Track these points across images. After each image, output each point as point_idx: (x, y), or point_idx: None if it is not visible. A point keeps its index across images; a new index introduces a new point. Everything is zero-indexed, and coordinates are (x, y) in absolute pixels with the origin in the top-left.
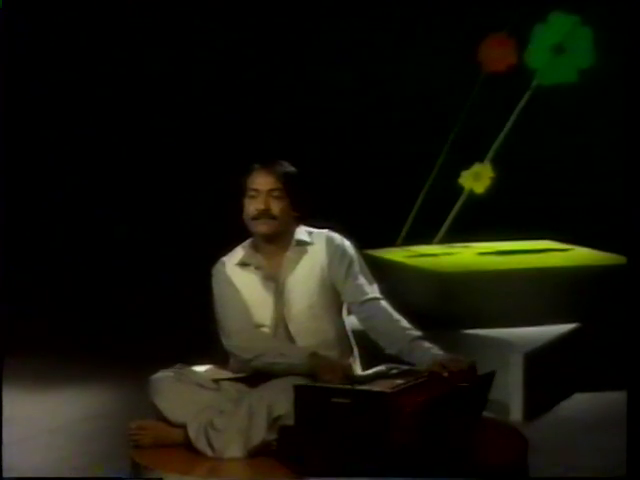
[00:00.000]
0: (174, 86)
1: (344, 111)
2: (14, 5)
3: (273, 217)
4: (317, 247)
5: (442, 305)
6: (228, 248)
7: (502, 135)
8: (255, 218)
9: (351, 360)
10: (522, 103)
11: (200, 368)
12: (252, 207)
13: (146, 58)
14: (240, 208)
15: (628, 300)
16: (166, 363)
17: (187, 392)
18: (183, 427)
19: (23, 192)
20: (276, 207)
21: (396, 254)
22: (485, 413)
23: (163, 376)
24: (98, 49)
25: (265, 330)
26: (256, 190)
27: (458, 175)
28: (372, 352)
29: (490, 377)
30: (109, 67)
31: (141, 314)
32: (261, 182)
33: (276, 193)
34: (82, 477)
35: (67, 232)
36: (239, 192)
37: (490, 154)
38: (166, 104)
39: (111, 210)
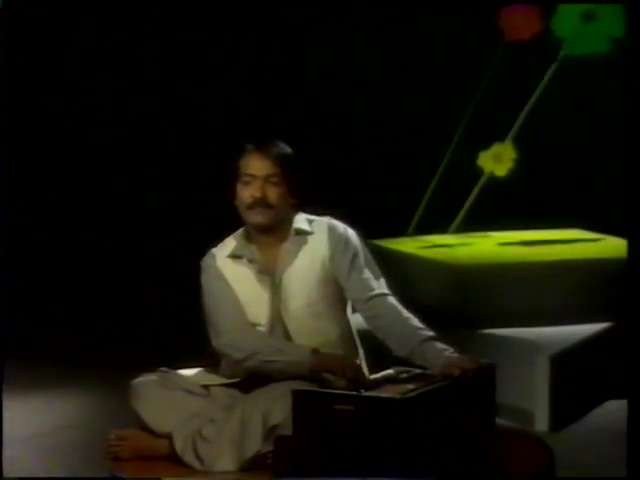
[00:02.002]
0: (169, 73)
1: (348, 85)
2: (14, 5)
3: (270, 206)
4: (318, 237)
5: (458, 302)
6: (219, 238)
7: (525, 111)
8: (250, 207)
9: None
10: (548, 76)
11: (187, 372)
12: (247, 194)
13: (146, 51)
14: (232, 193)
15: None
16: (149, 366)
17: (173, 398)
18: (168, 437)
19: (23, 192)
20: (273, 194)
21: (406, 245)
22: (507, 422)
23: (146, 380)
24: (98, 49)
25: (260, 329)
26: (251, 176)
27: (476, 156)
28: (380, 354)
29: (490, 369)
30: (109, 67)
31: (121, 311)
32: (257, 166)
33: (274, 179)
34: (82, 477)
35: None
36: (230, 175)
37: (512, 133)
38: (161, 90)
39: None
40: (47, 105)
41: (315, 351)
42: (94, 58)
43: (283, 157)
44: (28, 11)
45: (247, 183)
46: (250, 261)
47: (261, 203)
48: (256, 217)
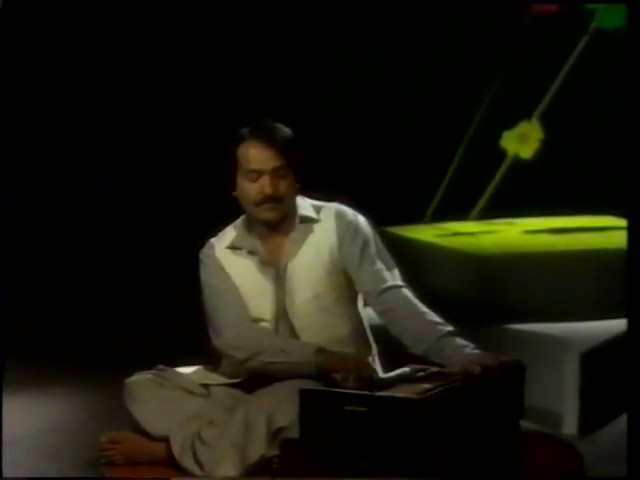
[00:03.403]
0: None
1: (363, 63)
2: (14, 5)
3: (280, 200)
4: (325, 225)
5: (480, 294)
6: (218, 228)
7: (553, 88)
8: (259, 204)
9: (369, 361)
10: (578, 50)
11: (186, 370)
12: (254, 191)
13: (146, 51)
14: (228, 183)
15: None
16: (144, 363)
17: (170, 398)
18: (165, 441)
19: (22, 192)
20: (283, 188)
21: (423, 232)
22: (533, 425)
23: (141, 379)
24: (98, 48)
25: (264, 326)
26: (258, 171)
27: (500, 136)
28: (394, 351)
29: (518, 367)
30: (110, 66)
31: (115, 305)
32: (262, 160)
33: (281, 171)
34: (83, 477)
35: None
36: (227, 165)
37: (539, 111)
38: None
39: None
40: (47, 105)
41: (321, 350)
42: (94, 58)
43: (287, 144)
44: (28, 11)
45: (254, 179)
46: (251, 253)
47: (272, 199)
48: (267, 214)
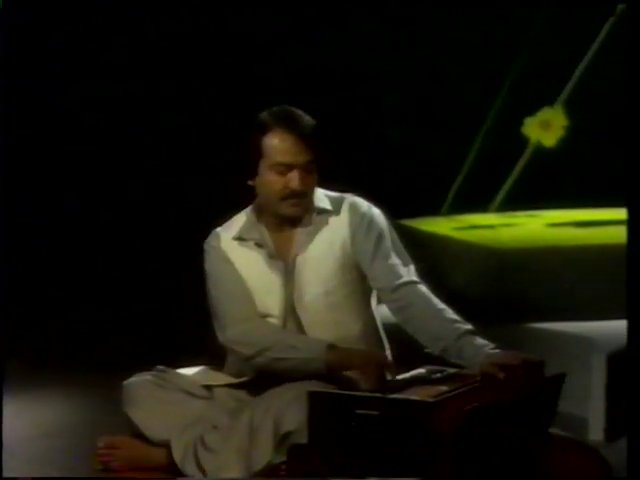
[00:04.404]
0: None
1: (381, 49)
2: (14, 5)
3: (305, 195)
4: (338, 216)
5: (500, 291)
6: (224, 217)
7: (578, 72)
8: (284, 199)
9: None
10: (604, 32)
11: (187, 371)
12: (280, 185)
13: (146, 50)
14: (245, 169)
15: None
16: (144, 364)
17: (171, 401)
18: (166, 446)
19: (21, 192)
20: (310, 183)
21: (440, 225)
22: (558, 430)
23: (140, 381)
24: (98, 48)
25: (271, 321)
26: (287, 165)
27: (521, 123)
28: (409, 351)
29: (559, 380)
30: (110, 66)
31: (113, 302)
32: (294, 153)
33: (310, 166)
34: (83, 477)
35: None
36: (248, 152)
37: (563, 96)
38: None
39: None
40: (47, 105)
41: (332, 346)
42: (94, 57)
43: (316, 137)
44: (28, 11)
45: (282, 172)
46: (258, 245)
47: (298, 194)
48: (291, 209)
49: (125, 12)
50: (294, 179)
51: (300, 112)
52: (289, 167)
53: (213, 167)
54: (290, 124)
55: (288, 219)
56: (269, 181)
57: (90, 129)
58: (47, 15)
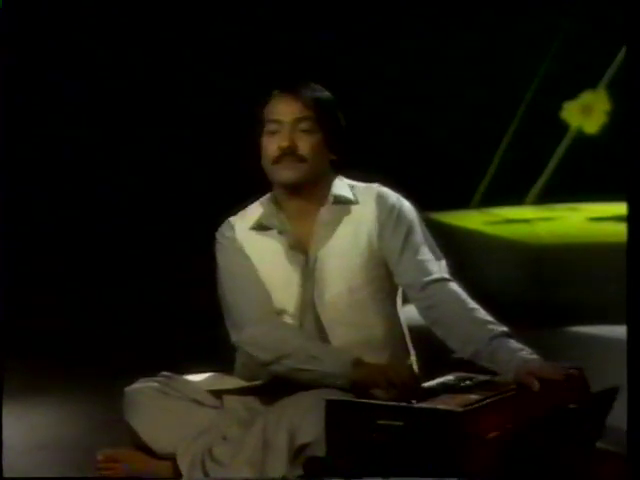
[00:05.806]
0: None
1: (412, 38)
2: (14, 5)
3: (302, 159)
4: (363, 208)
5: (537, 290)
6: (236, 207)
7: (621, 53)
8: (276, 161)
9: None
10: None
11: (194, 377)
12: (272, 145)
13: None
14: (255, 153)
15: None
16: (147, 370)
17: (176, 410)
18: (171, 458)
19: (21, 191)
20: (305, 144)
21: (472, 219)
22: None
23: (143, 388)
24: (98, 48)
25: (287, 319)
26: (277, 122)
27: (560, 108)
28: (437, 356)
29: (611, 395)
30: (110, 67)
31: (115, 302)
32: (284, 110)
33: (305, 125)
34: (83, 477)
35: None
36: (253, 130)
37: (606, 79)
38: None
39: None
40: (47, 105)
41: (358, 362)
42: (94, 57)
43: (317, 99)
44: (28, 11)
45: (273, 133)
46: (280, 233)
47: (290, 154)
48: (284, 172)
49: (125, 12)
50: (283, 137)
51: (313, 84)
52: (279, 124)
53: (217, 162)
54: (285, 84)
55: (305, 206)
56: (263, 147)
57: (91, 126)
58: (47, 15)
